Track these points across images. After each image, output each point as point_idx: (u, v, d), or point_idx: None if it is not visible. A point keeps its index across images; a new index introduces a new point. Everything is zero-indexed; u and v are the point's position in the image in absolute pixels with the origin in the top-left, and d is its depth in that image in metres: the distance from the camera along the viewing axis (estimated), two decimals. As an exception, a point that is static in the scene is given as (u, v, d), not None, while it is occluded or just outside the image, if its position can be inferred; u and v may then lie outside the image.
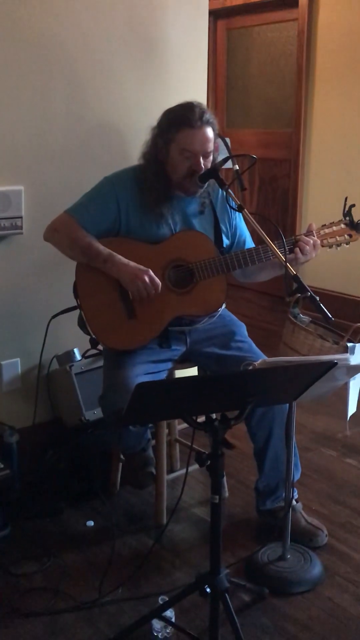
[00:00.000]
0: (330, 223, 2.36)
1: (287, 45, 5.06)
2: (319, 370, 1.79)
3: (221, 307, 2.47)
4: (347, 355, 1.93)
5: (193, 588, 1.96)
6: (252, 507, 2.57)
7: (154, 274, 2.28)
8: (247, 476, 2.81)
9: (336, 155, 4.72)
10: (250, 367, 1.84)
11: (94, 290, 2.34)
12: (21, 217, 2.67)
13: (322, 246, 2.34)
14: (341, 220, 2.35)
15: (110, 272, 2.29)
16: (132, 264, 2.28)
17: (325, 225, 2.36)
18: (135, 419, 2.00)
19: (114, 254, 2.29)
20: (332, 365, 1.76)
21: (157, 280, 2.27)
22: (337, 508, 2.66)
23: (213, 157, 2.31)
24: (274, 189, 5.34)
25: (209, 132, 2.25)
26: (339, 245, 2.35)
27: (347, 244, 2.37)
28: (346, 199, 2.34)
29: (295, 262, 2.28)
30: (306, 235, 2.32)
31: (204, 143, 2.25)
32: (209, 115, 2.26)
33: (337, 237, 2.35)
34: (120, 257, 2.29)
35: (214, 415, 1.83)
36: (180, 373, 2.58)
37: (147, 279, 2.25)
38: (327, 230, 2.35)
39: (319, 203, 4.92)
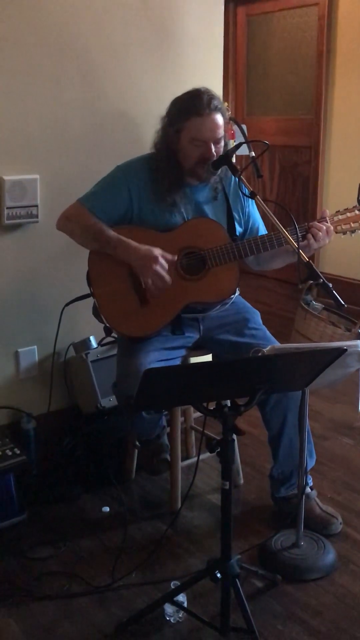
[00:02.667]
0: (345, 209, 2.34)
1: (307, 31, 5.00)
2: (329, 356, 1.78)
3: (233, 294, 2.47)
4: (358, 341, 1.91)
5: (204, 574, 1.97)
6: (266, 494, 2.57)
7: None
8: (262, 463, 2.81)
9: (357, 142, 4.67)
10: (260, 354, 1.84)
11: (106, 278, 2.36)
12: (37, 206, 2.69)
13: (336, 232, 2.32)
14: (355, 206, 2.33)
15: (121, 257, 2.30)
16: (143, 248, 2.27)
17: (339, 211, 2.34)
18: (145, 405, 2.02)
19: (124, 239, 2.29)
20: (341, 351, 1.75)
21: (167, 256, 2.27)
22: (352, 496, 2.65)
23: (225, 142, 2.30)
24: (295, 176, 5.30)
25: (218, 118, 2.25)
26: (353, 231, 2.33)
27: None
28: None
29: (308, 248, 2.26)
30: (319, 222, 2.30)
31: (213, 130, 2.24)
32: (217, 102, 2.25)
33: (352, 224, 2.32)
34: (130, 242, 2.29)
35: (224, 402, 1.84)
36: (194, 360, 2.58)
37: (158, 268, 2.24)
38: (341, 217, 2.33)
39: (339, 190, 4.88)
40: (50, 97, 2.67)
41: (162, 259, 2.26)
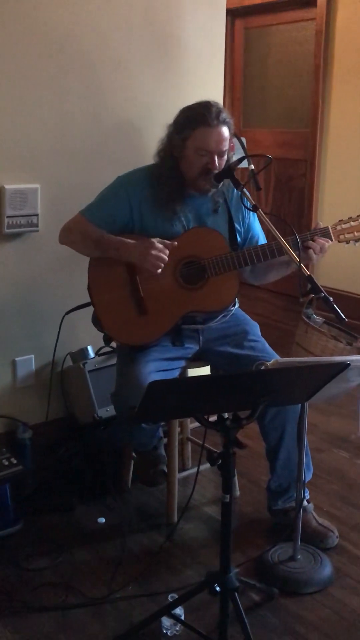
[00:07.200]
0: (349, 218, 2.34)
1: (304, 45, 5.05)
2: (332, 371, 1.78)
3: (232, 303, 2.48)
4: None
5: (203, 586, 1.97)
6: (263, 507, 2.57)
7: (167, 269, 2.28)
8: (259, 476, 2.81)
9: (352, 156, 4.70)
10: (263, 367, 1.84)
11: (106, 286, 2.36)
12: (37, 215, 2.69)
13: (339, 241, 2.32)
14: None
15: (124, 257, 2.31)
16: (140, 241, 2.27)
17: (342, 220, 2.34)
18: (147, 417, 2.01)
19: (125, 240, 2.30)
20: (344, 366, 1.76)
21: (165, 242, 2.26)
22: (348, 510, 2.65)
23: (228, 156, 2.32)
24: (290, 189, 5.33)
25: (225, 131, 2.26)
26: (357, 240, 2.32)
27: None
28: None
29: (309, 259, 2.27)
30: (320, 234, 2.31)
31: (219, 142, 2.25)
32: (225, 115, 2.26)
33: (355, 233, 2.31)
34: (130, 241, 2.29)
35: (225, 415, 1.84)
36: (193, 372, 2.59)
37: (153, 252, 2.24)
38: (344, 226, 2.33)
39: (334, 203, 4.91)
40: (53, 108, 2.68)
41: (158, 243, 2.25)
